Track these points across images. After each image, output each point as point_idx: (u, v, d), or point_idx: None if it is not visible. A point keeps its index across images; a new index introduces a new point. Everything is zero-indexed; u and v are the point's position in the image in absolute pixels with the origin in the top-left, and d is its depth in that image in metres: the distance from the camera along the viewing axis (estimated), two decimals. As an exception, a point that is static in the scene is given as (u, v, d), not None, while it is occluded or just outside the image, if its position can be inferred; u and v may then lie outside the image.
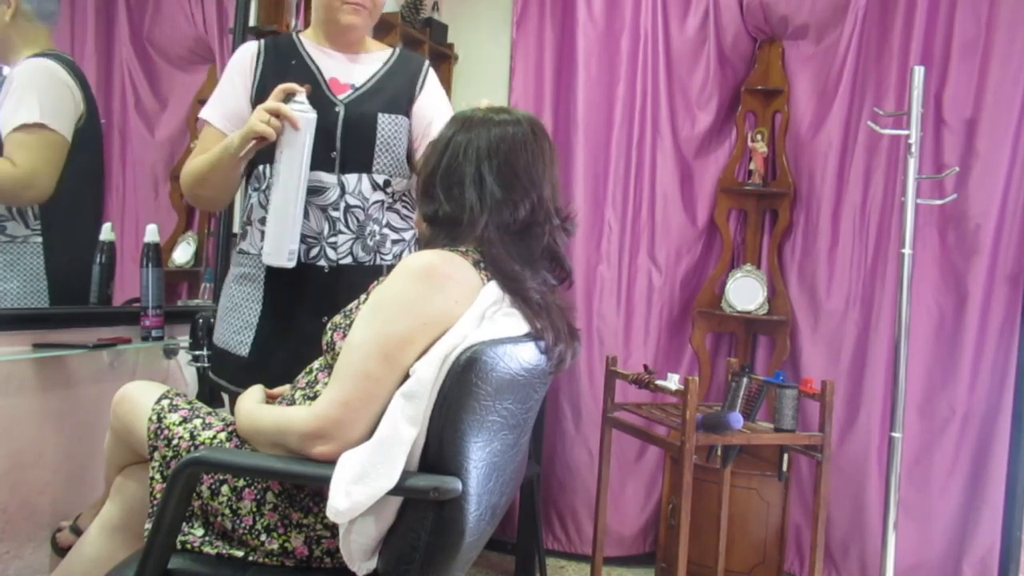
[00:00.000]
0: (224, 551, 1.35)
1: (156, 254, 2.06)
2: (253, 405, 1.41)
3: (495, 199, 1.36)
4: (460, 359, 1.22)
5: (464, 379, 1.22)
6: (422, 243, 1.44)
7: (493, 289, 1.32)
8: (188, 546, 1.35)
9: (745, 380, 2.29)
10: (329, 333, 1.40)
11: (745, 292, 3.00)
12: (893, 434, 2.54)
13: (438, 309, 1.27)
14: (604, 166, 3.10)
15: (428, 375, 1.22)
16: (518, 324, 1.33)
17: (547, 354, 1.37)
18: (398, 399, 1.22)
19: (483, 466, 1.28)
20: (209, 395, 2.09)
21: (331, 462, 1.22)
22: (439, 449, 1.22)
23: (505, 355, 1.28)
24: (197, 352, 2.10)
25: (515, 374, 1.32)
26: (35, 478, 1.88)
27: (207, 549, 1.35)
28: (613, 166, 3.09)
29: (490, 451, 1.29)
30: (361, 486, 1.18)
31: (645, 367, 2.21)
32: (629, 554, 3.04)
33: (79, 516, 1.73)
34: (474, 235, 1.35)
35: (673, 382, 2.07)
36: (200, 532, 1.37)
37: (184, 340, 2.15)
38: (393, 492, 1.19)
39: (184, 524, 1.36)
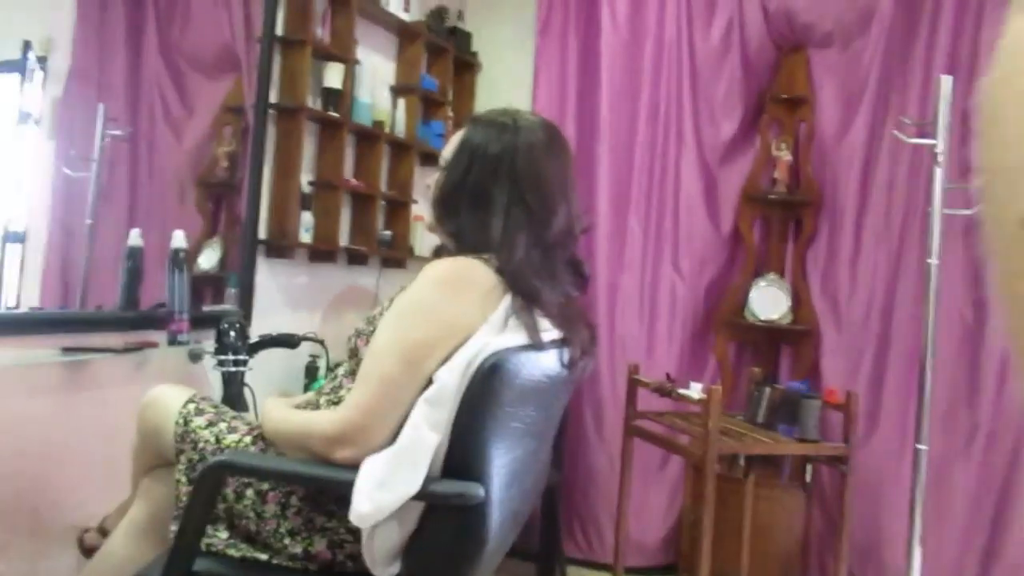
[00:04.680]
0: (248, 554, 1.36)
1: (183, 259, 2.08)
2: (279, 410, 1.42)
3: (527, 216, 1.37)
4: (484, 365, 1.23)
5: (487, 386, 1.23)
6: (443, 253, 1.46)
7: (512, 300, 1.33)
8: (213, 549, 1.37)
9: (768, 390, 2.27)
10: (352, 339, 1.41)
11: (769, 301, 2.98)
12: (919, 446, 2.51)
13: (460, 315, 1.28)
14: (627, 174, 3.10)
15: (451, 381, 1.23)
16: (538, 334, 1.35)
17: (570, 363, 1.37)
18: (421, 405, 1.23)
19: (505, 472, 1.29)
20: (234, 400, 2.11)
21: (354, 467, 1.23)
22: (462, 455, 1.23)
23: (528, 362, 1.29)
24: (223, 357, 2.12)
25: (538, 381, 1.33)
26: (64, 479, 1.91)
27: (231, 552, 1.36)
28: (636, 174, 3.09)
29: (512, 458, 1.30)
30: (384, 492, 1.19)
31: (667, 376, 2.20)
32: (651, 564, 3.03)
33: (106, 518, 1.75)
34: (499, 250, 1.36)
35: (696, 391, 2.06)
36: (225, 535, 1.38)
37: (210, 345, 2.17)
38: (416, 498, 1.20)
39: (209, 527, 1.38)
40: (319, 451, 1.27)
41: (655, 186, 3.10)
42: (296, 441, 1.32)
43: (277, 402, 1.47)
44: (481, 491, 1.21)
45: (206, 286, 2.45)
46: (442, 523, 1.25)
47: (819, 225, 2.99)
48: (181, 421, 1.50)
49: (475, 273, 1.32)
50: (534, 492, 1.46)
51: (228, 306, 2.40)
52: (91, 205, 2.13)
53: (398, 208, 3.00)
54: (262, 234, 2.47)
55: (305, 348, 2.33)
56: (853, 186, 2.86)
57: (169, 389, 1.59)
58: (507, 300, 1.32)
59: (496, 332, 1.29)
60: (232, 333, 2.14)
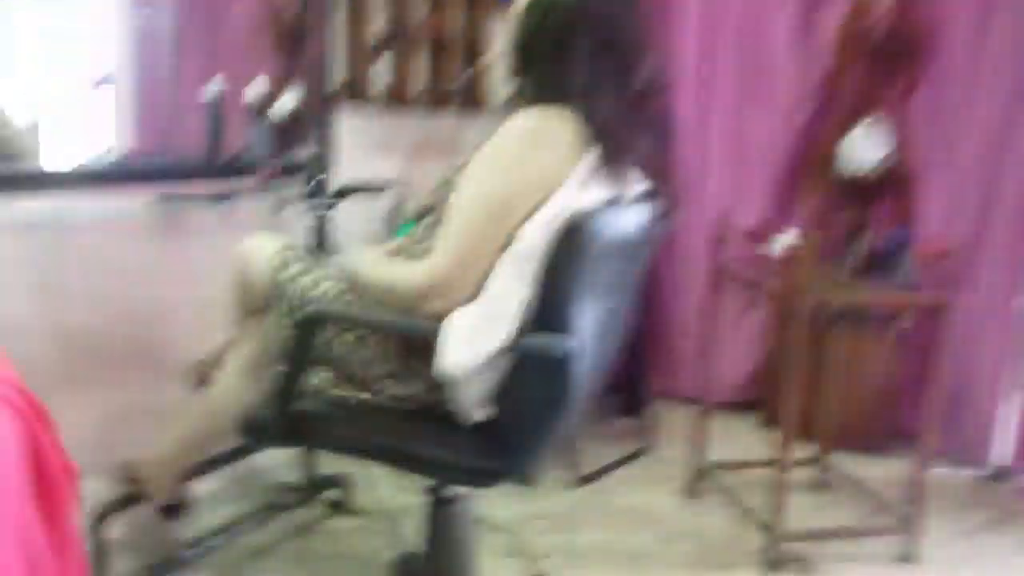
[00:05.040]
0: (349, 393, 1.41)
1: (264, 106, 2.07)
2: (369, 260, 1.43)
3: (611, 64, 1.31)
4: (568, 224, 1.21)
5: (572, 244, 1.22)
6: (521, 102, 1.39)
7: (597, 154, 1.28)
8: (317, 388, 1.43)
9: (865, 236, 2.18)
10: (439, 190, 1.39)
11: (866, 147, 2.80)
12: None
13: (544, 170, 1.25)
14: (719, 11, 2.90)
15: (537, 238, 1.22)
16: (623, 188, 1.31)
17: (657, 217, 1.34)
18: (508, 259, 1.22)
19: (589, 325, 1.29)
20: (322, 245, 2.15)
21: (440, 318, 1.24)
22: (547, 309, 1.24)
23: (613, 219, 1.28)
24: (313, 201, 2.14)
25: (623, 237, 1.32)
26: (169, 320, 2.01)
27: (334, 391, 1.42)
28: (727, 13, 2.89)
29: (596, 311, 1.30)
30: (474, 345, 1.21)
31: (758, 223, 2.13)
32: (735, 399, 3.06)
33: (212, 353, 1.85)
34: (582, 101, 1.29)
35: (789, 237, 1.99)
36: (329, 375, 1.44)
37: (294, 190, 2.19)
38: (504, 350, 1.21)
39: (313, 367, 1.43)
40: (408, 302, 1.29)
41: (747, 25, 2.89)
42: (384, 293, 1.34)
43: (367, 252, 1.48)
44: (566, 344, 1.22)
45: (285, 133, 2.44)
46: (530, 373, 1.27)
47: (923, 67, 2.74)
48: (277, 266, 1.53)
49: (558, 126, 1.27)
50: (617, 342, 1.46)
51: (310, 152, 2.39)
52: (171, 50, 2.12)
53: (475, 53, 2.87)
54: (336, 81, 2.41)
55: (386, 195, 2.34)
56: (963, 26, 2.60)
57: (261, 239, 1.62)
58: (591, 153, 1.27)
59: (581, 187, 1.26)
60: (319, 179, 2.15)
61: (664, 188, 1.37)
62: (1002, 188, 2.60)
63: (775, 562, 2.04)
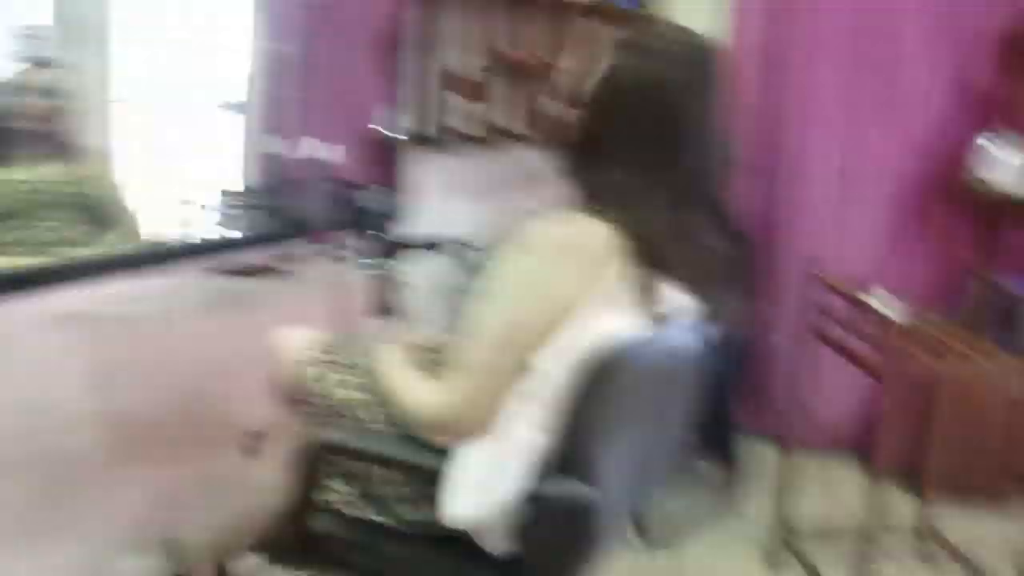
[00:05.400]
0: (364, 515, 1.34)
1: (330, 168, 2.02)
2: (389, 364, 1.35)
3: (648, 157, 1.15)
4: (594, 354, 1.07)
5: (598, 378, 1.08)
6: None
7: (630, 268, 1.13)
8: (331, 505, 1.36)
9: (983, 287, 1.91)
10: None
11: (1006, 166, 2.45)
12: None
13: (566, 289, 1.11)
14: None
15: (555, 373, 1.09)
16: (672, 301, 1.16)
17: (707, 337, 1.18)
18: (521, 400, 1.11)
19: (622, 467, 1.16)
20: (385, 305, 2.10)
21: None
22: (570, 453, 1.11)
23: (649, 345, 1.12)
24: (365, 260, 2.09)
25: (664, 365, 1.16)
26: (229, 393, 2.00)
27: (349, 511, 1.35)
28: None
29: (631, 451, 1.16)
30: (482, 494, 1.10)
31: (855, 281, 1.89)
32: (837, 444, 2.83)
33: (263, 426, 1.83)
34: (615, 204, 1.14)
35: (884, 302, 1.75)
36: (344, 489, 1.37)
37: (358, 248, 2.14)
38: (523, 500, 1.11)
39: (329, 480, 1.37)
40: (417, 431, 1.20)
41: (864, 23, 2.58)
42: (398, 411, 1.25)
43: (392, 352, 1.40)
44: (590, 494, 1.10)
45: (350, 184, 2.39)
46: (551, 518, 1.15)
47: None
48: (302, 366, 1.47)
49: (586, 236, 1.11)
50: (662, 479, 1.32)
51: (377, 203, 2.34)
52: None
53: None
54: (407, 122, 2.33)
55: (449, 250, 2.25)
56: None
57: (292, 332, 1.56)
58: (622, 267, 1.12)
59: (609, 309, 1.11)
60: (373, 235, 2.09)
61: (718, 301, 1.21)
62: None
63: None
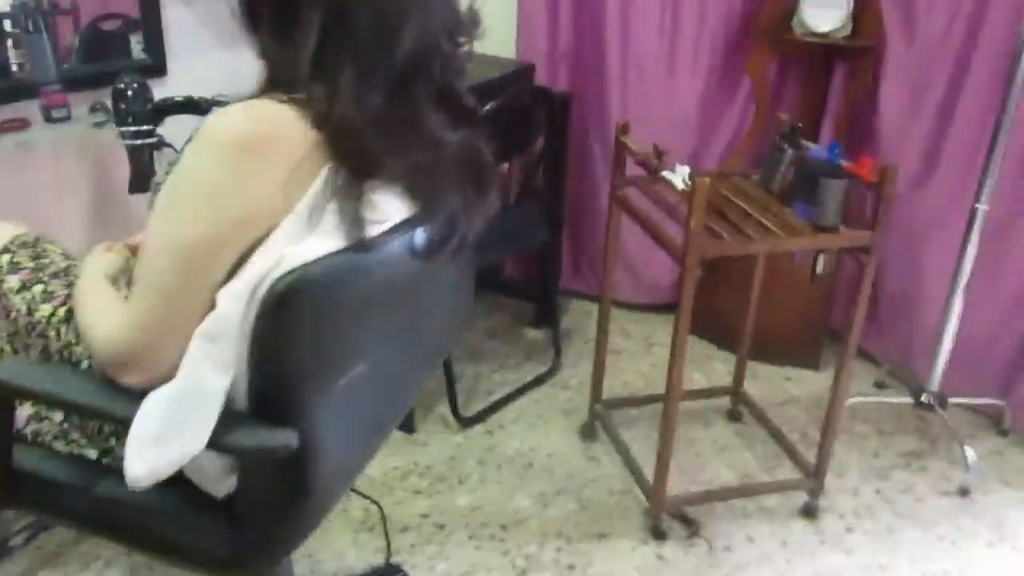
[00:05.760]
0: (77, 451, 1.15)
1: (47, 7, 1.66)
2: (91, 276, 1.12)
3: (353, 33, 0.91)
4: (274, 290, 0.88)
5: (283, 316, 0.89)
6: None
7: (333, 173, 0.92)
8: (38, 438, 1.16)
9: (788, 154, 1.82)
10: (152, 196, 1.05)
11: (824, 8, 2.34)
12: (978, 206, 2.08)
13: (254, 200, 0.90)
14: None
15: (232, 311, 0.89)
16: (386, 208, 0.96)
17: (426, 250, 1.00)
18: (198, 340, 0.91)
19: (336, 407, 1.00)
20: (142, 181, 1.81)
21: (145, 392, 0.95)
22: (266, 394, 0.94)
23: (354, 270, 0.93)
24: (124, 128, 1.77)
25: (379, 288, 0.98)
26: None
27: (59, 444, 1.16)
28: None
29: (346, 388, 1.00)
30: (161, 449, 0.92)
31: (655, 148, 1.75)
32: (663, 301, 2.81)
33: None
34: (314, 90, 0.91)
35: (680, 176, 1.63)
36: (52, 423, 1.17)
37: (103, 115, 1.82)
38: (211, 449, 0.93)
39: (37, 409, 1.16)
40: (102, 371, 0.99)
41: None
42: (86, 338, 1.04)
43: (97, 260, 1.17)
44: (294, 439, 0.94)
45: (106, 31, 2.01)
46: (254, 467, 1.00)
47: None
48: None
49: (279, 133, 0.90)
50: (399, 409, 1.18)
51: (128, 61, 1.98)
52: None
53: None
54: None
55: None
56: None
57: None
58: (325, 172, 0.92)
59: (305, 226, 0.91)
60: (129, 95, 1.76)
61: (446, 206, 1.03)
62: (972, 69, 2.19)
63: (658, 530, 1.87)
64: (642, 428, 2.18)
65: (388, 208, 0.97)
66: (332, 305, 0.92)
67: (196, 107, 1.83)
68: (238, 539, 1.06)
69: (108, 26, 2.06)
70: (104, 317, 1.00)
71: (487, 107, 1.88)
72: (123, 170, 1.81)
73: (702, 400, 2.34)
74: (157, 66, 1.99)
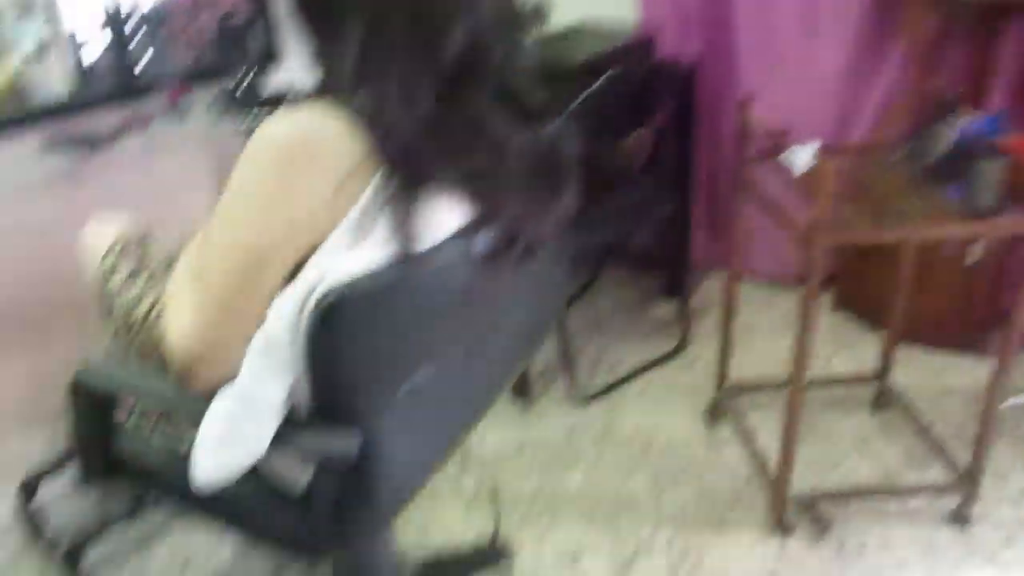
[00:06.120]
0: (168, 444, 1.21)
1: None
2: (176, 275, 1.15)
3: (394, 44, 0.88)
4: (321, 305, 0.87)
5: (333, 330, 0.88)
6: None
7: (385, 181, 0.89)
8: (134, 424, 1.23)
9: (943, 126, 1.60)
10: None
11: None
12: None
13: (303, 208, 0.88)
14: None
15: (282, 324, 0.89)
16: (442, 214, 0.93)
17: (488, 257, 0.96)
18: (253, 350, 0.92)
19: (401, 413, 0.99)
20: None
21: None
22: (326, 401, 0.94)
23: (403, 282, 0.91)
24: (242, 120, 1.84)
25: (431, 299, 0.96)
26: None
27: (153, 434, 1.22)
28: None
29: (411, 394, 0.99)
30: (224, 454, 0.95)
31: (774, 128, 1.59)
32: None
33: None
34: (361, 96, 0.88)
35: (804, 156, 1.48)
36: (144, 418, 1.23)
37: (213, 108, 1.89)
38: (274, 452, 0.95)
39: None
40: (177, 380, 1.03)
41: None
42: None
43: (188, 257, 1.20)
44: (354, 444, 0.94)
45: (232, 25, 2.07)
46: (320, 471, 1.01)
47: None
48: (106, 271, 1.30)
49: (325, 141, 0.87)
50: (472, 413, 1.15)
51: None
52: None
53: None
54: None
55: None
56: None
57: (102, 227, 1.36)
58: (376, 180, 0.89)
59: (356, 236, 0.89)
60: (244, 88, 1.83)
61: (511, 210, 0.97)
62: None
63: (782, 524, 1.76)
64: (772, 414, 2.04)
65: (444, 215, 0.93)
66: (384, 317, 0.90)
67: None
68: (312, 528, 1.09)
69: (234, 20, 2.13)
70: (175, 322, 1.04)
71: (593, 88, 1.78)
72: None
73: (843, 387, 2.16)
74: (273, 57, 2.04)
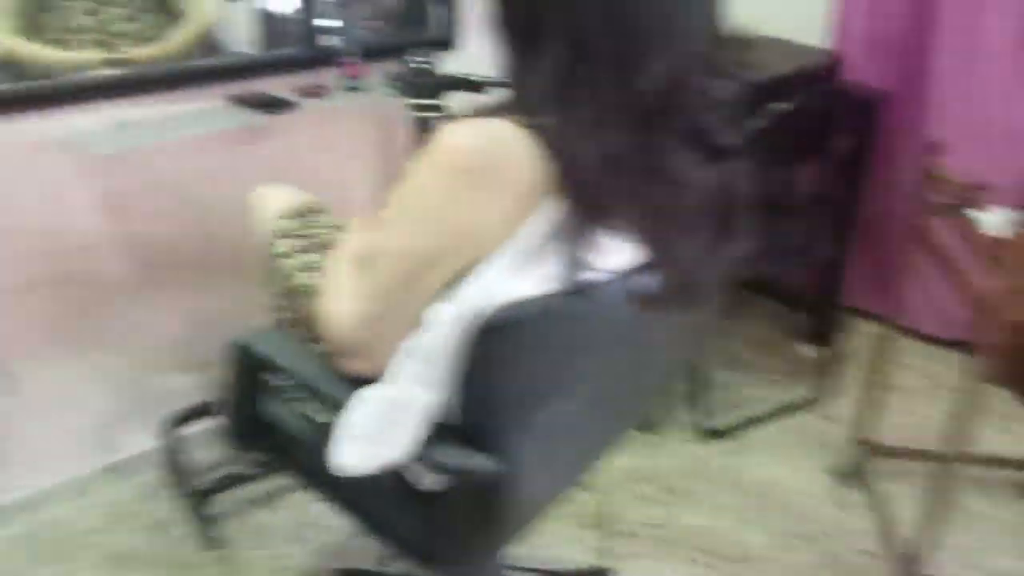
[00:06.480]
0: (310, 413, 1.22)
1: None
2: (339, 255, 1.15)
3: (592, 73, 0.84)
4: (484, 324, 0.84)
5: (492, 349, 0.86)
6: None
7: (560, 208, 0.85)
8: (279, 393, 1.25)
9: None
10: None
11: None
12: None
13: (475, 222, 0.86)
14: None
15: (439, 334, 0.87)
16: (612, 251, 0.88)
17: (660, 295, 0.90)
18: (405, 354, 0.90)
19: (536, 440, 0.95)
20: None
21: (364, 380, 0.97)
22: (471, 419, 0.92)
23: (567, 315, 0.88)
24: (414, 101, 1.84)
25: (587, 335, 0.92)
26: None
27: (294, 405, 1.23)
28: None
29: (547, 422, 0.95)
30: (366, 448, 0.94)
31: (970, 181, 1.44)
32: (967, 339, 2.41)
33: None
34: (548, 108, 0.85)
35: (997, 219, 1.33)
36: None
37: (389, 84, 1.89)
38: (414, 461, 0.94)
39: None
40: (327, 352, 1.03)
41: None
42: (320, 319, 1.08)
43: (349, 239, 1.19)
44: (492, 465, 0.91)
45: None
46: (453, 488, 0.99)
47: None
48: (274, 235, 1.32)
49: (507, 159, 0.84)
50: (602, 444, 1.10)
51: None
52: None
53: None
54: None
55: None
56: None
57: (273, 193, 1.40)
58: (550, 207, 0.85)
59: (522, 260, 0.86)
60: (416, 70, 1.83)
61: (682, 256, 0.92)
62: None
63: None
64: (910, 485, 1.89)
65: (614, 251, 0.89)
66: (543, 344, 0.87)
67: (474, 85, 1.84)
68: (433, 536, 1.07)
69: None
70: (335, 304, 1.03)
71: (768, 111, 1.69)
72: (408, 137, 1.89)
73: (996, 468, 1.98)
74: (447, 40, 2.04)
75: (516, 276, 0.86)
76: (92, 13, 1.83)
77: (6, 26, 1.81)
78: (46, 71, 1.81)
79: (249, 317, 1.38)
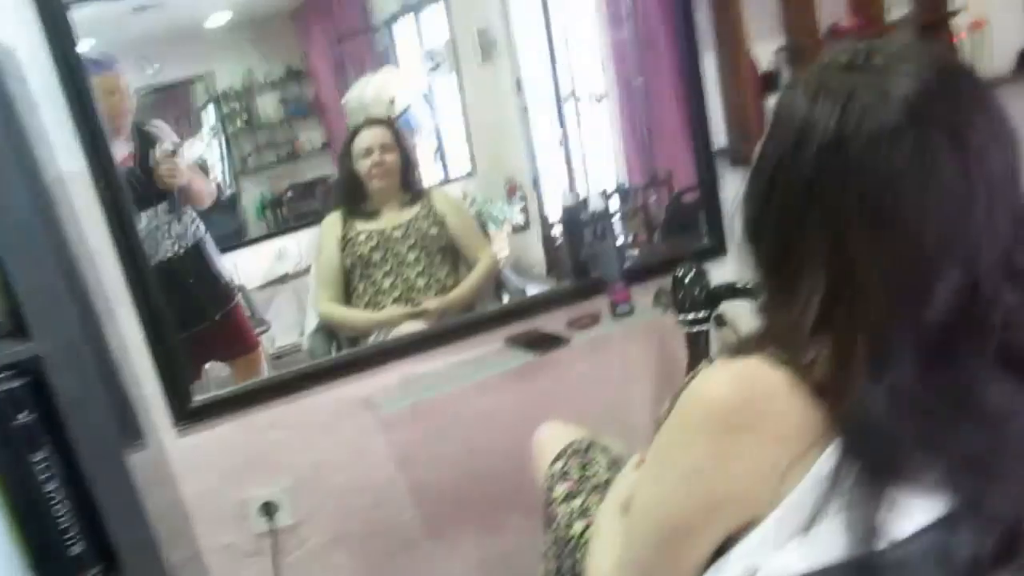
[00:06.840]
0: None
1: (608, 213, 1.84)
2: (610, 505, 1.11)
3: (866, 303, 0.72)
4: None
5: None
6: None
7: (840, 460, 0.74)
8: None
9: None
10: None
11: None
12: None
13: (734, 483, 0.76)
14: None
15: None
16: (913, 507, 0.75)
17: (980, 559, 0.74)
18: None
19: None
20: (696, 366, 1.83)
21: None
22: None
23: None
24: (682, 316, 1.82)
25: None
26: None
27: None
28: None
29: None
30: None
31: None
32: None
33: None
34: (826, 359, 0.75)
35: None
36: None
37: (657, 302, 1.90)
38: None
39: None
40: None
41: None
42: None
43: (621, 484, 1.14)
44: None
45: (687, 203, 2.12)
46: None
47: None
48: (547, 485, 1.33)
49: (772, 407, 0.74)
50: None
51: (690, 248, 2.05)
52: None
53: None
54: (720, 140, 1.98)
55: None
56: None
57: (555, 432, 1.42)
58: (827, 461, 0.73)
59: (795, 525, 0.74)
60: (686, 283, 1.82)
61: (992, 512, 0.75)
62: None
63: None
64: None
65: (915, 507, 0.74)
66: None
67: (747, 293, 1.78)
68: None
69: (689, 197, 2.15)
70: (599, 563, 0.99)
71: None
72: (684, 352, 1.85)
73: None
74: (716, 248, 2.01)
75: (792, 544, 0.75)
76: (393, 275, 2.12)
77: (326, 296, 2.15)
78: (355, 330, 2.11)
79: (538, 561, 1.38)
